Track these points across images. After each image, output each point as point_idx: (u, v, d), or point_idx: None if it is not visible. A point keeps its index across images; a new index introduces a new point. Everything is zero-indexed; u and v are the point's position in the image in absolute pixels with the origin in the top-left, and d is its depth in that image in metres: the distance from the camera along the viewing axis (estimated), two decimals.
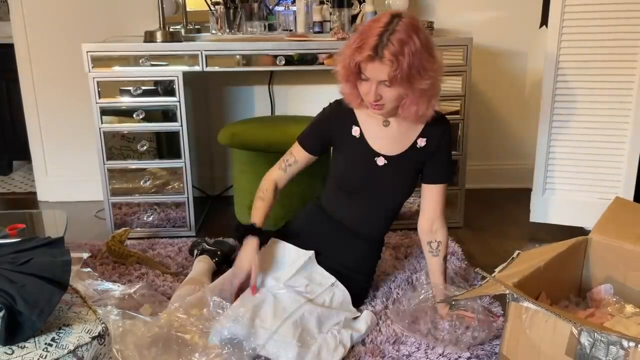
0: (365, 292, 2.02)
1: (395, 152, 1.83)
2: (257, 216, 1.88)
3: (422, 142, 1.84)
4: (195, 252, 2.32)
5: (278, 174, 1.93)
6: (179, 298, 1.83)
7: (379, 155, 1.83)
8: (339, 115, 1.85)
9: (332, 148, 1.92)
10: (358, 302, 1.94)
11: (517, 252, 1.66)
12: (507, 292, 1.41)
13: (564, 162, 2.57)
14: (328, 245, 1.90)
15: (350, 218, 1.92)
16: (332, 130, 1.86)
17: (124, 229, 2.42)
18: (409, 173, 1.87)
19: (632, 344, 1.19)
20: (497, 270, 1.57)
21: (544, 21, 2.79)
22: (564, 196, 2.59)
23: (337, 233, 1.92)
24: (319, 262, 1.88)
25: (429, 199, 1.90)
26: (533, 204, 2.65)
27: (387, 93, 1.64)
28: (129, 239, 2.45)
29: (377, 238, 1.98)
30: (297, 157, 1.91)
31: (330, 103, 1.90)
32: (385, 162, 1.83)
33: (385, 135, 1.82)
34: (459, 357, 1.68)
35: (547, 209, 2.62)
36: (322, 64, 2.53)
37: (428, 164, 1.86)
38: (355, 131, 1.83)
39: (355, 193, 1.88)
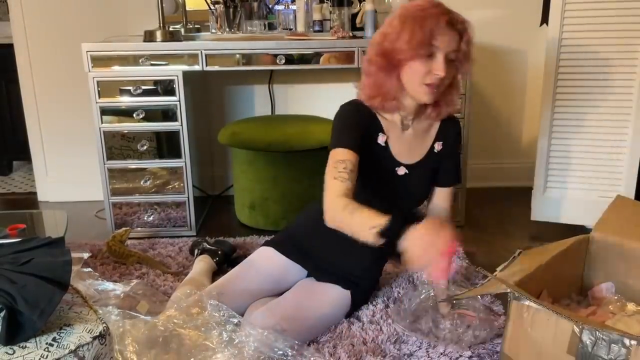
0: (369, 294, 2.01)
1: (415, 159, 1.77)
2: (372, 215, 1.50)
3: (439, 147, 1.80)
4: (196, 251, 2.31)
5: (344, 186, 1.57)
6: (177, 299, 1.82)
7: (400, 164, 1.76)
8: (365, 120, 1.70)
9: None
10: (361, 304, 1.94)
11: (519, 250, 1.65)
12: (509, 290, 1.40)
13: (565, 160, 2.56)
14: (335, 253, 1.84)
15: None
16: (363, 135, 1.68)
17: (124, 228, 2.42)
18: (427, 180, 1.82)
19: (633, 342, 1.18)
20: (498, 269, 1.57)
21: (545, 19, 2.79)
22: (565, 194, 2.59)
23: (344, 240, 1.86)
24: (324, 270, 1.85)
25: (440, 200, 1.88)
26: (534, 202, 2.65)
27: (448, 72, 1.56)
28: (130, 238, 2.45)
29: (394, 245, 1.94)
30: (348, 159, 1.61)
31: (344, 106, 1.73)
32: (406, 171, 1.77)
33: (405, 142, 1.75)
34: (461, 356, 1.68)
35: (548, 207, 2.62)
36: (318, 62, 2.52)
37: (442, 166, 1.83)
38: (381, 139, 1.73)
39: (370, 202, 1.76)
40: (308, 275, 1.91)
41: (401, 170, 1.76)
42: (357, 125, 1.68)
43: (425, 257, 1.38)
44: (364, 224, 1.48)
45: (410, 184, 1.78)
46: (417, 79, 1.58)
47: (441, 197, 1.88)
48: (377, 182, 1.75)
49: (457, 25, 1.55)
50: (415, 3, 1.58)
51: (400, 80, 1.61)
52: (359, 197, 1.59)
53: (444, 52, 1.54)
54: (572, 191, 2.58)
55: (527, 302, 1.37)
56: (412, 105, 1.69)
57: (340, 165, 1.58)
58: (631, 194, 2.46)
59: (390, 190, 1.76)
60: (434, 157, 1.81)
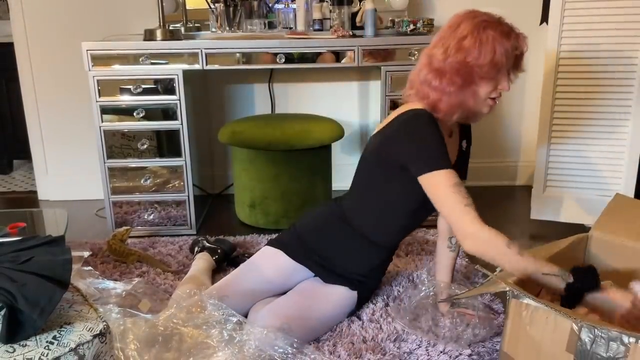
0: (372, 292, 2.01)
1: (453, 160, 1.75)
2: (544, 263, 1.48)
3: (464, 144, 1.83)
4: (196, 249, 2.32)
5: (474, 213, 1.53)
6: (178, 298, 1.83)
7: None
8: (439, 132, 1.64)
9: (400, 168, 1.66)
10: (364, 302, 1.94)
11: None
12: (508, 289, 1.41)
13: (565, 159, 2.57)
14: (343, 254, 1.84)
15: (373, 228, 1.81)
16: None
17: (125, 227, 2.42)
18: None
19: (632, 339, 1.19)
20: (498, 268, 1.57)
21: (544, 18, 2.79)
22: (564, 193, 2.59)
23: (352, 241, 1.84)
24: (331, 272, 1.84)
25: None
26: (534, 201, 2.66)
27: None
28: (130, 237, 2.45)
29: (397, 245, 1.94)
30: (460, 180, 1.58)
31: (424, 120, 1.62)
32: None
33: (449, 147, 1.71)
34: (460, 354, 1.69)
35: (547, 206, 2.62)
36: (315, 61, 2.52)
37: (464, 162, 1.86)
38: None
39: (423, 206, 1.70)
40: (314, 276, 1.89)
41: None
42: (442, 140, 1.62)
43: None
44: (546, 268, 1.44)
45: None
46: (486, 95, 1.61)
47: None
48: None
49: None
50: (482, 16, 1.59)
51: (477, 96, 1.61)
52: (411, 206, 1.66)
53: (508, 69, 1.60)
54: (571, 190, 2.58)
55: (526, 300, 1.37)
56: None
57: (462, 190, 1.54)
58: (630, 193, 2.47)
59: None
60: (461, 155, 1.83)
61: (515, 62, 1.61)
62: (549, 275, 1.43)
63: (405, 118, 1.65)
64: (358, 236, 1.82)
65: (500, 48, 1.54)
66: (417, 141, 1.61)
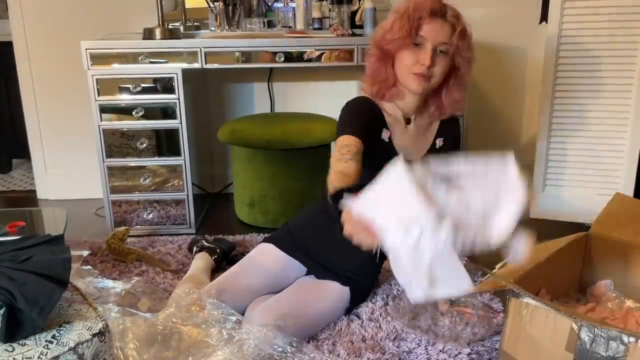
0: (368, 292, 2.01)
1: (416, 156, 1.78)
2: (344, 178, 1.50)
3: (439, 142, 1.82)
4: (195, 249, 2.31)
5: (347, 165, 1.54)
6: (178, 297, 1.83)
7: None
8: (370, 112, 1.71)
9: None
10: (360, 301, 1.94)
11: None
12: (508, 288, 1.41)
13: (564, 158, 2.57)
14: (332, 251, 1.85)
15: None
16: (367, 124, 1.69)
17: (124, 227, 2.42)
18: None
19: (632, 339, 1.19)
20: (497, 266, 1.58)
21: (544, 17, 2.79)
22: (564, 192, 2.59)
23: (340, 238, 1.85)
24: (322, 267, 1.86)
25: None
26: (533, 200, 2.65)
27: (439, 63, 1.62)
28: (129, 236, 2.45)
29: None
30: (352, 143, 1.60)
31: (350, 100, 1.75)
32: None
33: (408, 138, 1.77)
34: (459, 353, 1.69)
35: (547, 205, 2.62)
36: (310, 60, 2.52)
37: None
38: (385, 135, 1.74)
39: None
40: (307, 273, 1.92)
41: None
42: (362, 115, 1.70)
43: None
44: (330, 179, 1.49)
45: None
46: (406, 68, 1.64)
47: None
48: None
49: (446, 16, 1.59)
50: None
51: (394, 69, 1.68)
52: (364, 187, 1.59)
53: (432, 43, 1.59)
54: (571, 189, 2.58)
55: (526, 299, 1.37)
56: (414, 100, 1.72)
57: (344, 149, 1.59)
58: (630, 192, 2.46)
59: None
60: (435, 153, 1.81)
61: (430, 35, 1.59)
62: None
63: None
64: (340, 230, 1.82)
65: (405, 20, 1.59)
66: (339, 120, 1.73)
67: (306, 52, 2.50)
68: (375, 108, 1.74)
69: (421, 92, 1.69)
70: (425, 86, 1.65)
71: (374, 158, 1.68)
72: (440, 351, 1.69)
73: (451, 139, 1.84)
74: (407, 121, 1.77)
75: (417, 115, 1.77)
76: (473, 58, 1.68)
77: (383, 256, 1.98)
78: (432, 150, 1.81)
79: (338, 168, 1.54)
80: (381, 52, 1.68)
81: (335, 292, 1.85)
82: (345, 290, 1.86)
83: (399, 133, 1.76)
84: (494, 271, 1.58)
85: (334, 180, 1.49)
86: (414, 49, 1.61)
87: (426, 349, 1.71)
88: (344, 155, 1.58)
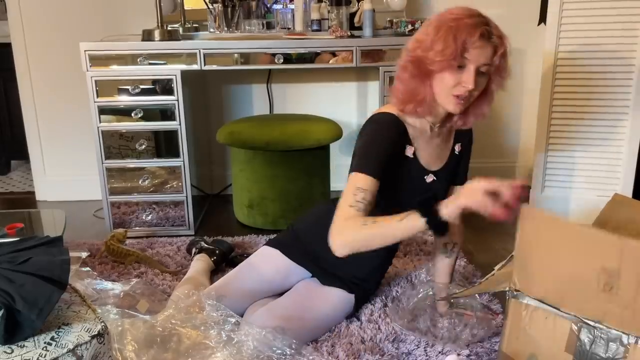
0: (370, 295, 2.00)
1: (439, 165, 1.74)
2: (396, 215, 1.49)
3: (458, 148, 1.79)
4: (193, 250, 2.31)
5: (357, 215, 1.52)
6: (177, 298, 1.82)
7: (428, 172, 1.72)
8: (397, 136, 1.64)
9: None
10: (362, 304, 1.94)
11: None
12: (507, 289, 1.41)
13: (563, 159, 2.57)
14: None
15: None
16: (393, 154, 1.64)
17: (123, 229, 2.42)
18: (448, 182, 1.80)
19: (632, 340, 1.19)
20: (496, 267, 1.58)
21: (543, 19, 2.79)
22: (562, 193, 2.59)
23: None
24: (329, 274, 1.84)
25: None
26: (532, 201, 2.66)
27: (479, 83, 1.54)
28: (128, 238, 2.45)
29: (397, 247, 1.94)
30: (369, 189, 1.55)
31: (377, 121, 1.65)
32: (434, 178, 1.73)
33: (431, 149, 1.72)
34: (459, 354, 1.68)
35: (546, 206, 2.62)
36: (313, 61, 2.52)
37: (459, 167, 1.83)
38: (409, 151, 1.68)
39: (396, 211, 1.67)
40: (311, 276, 1.89)
41: (429, 178, 1.73)
42: (388, 145, 1.62)
43: (484, 199, 1.37)
44: (399, 221, 1.46)
45: (438, 189, 1.75)
46: (446, 90, 1.55)
47: None
48: (407, 193, 1.71)
49: (491, 38, 1.51)
50: (452, 10, 1.54)
51: (432, 89, 1.58)
52: (388, 210, 1.56)
53: (475, 65, 1.51)
54: (570, 190, 2.58)
55: (525, 301, 1.37)
56: (443, 112, 1.66)
57: (359, 194, 1.53)
58: (628, 193, 2.47)
59: (418, 197, 1.71)
60: (455, 159, 1.79)
61: (475, 58, 1.51)
62: (405, 222, 1.44)
63: (366, 122, 1.67)
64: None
65: (449, 39, 1.49)
66: (361, 146, 1.62)
67: (305, 53, 2.50)
68: (401, 126, 1.66)
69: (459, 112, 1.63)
70: (463, 107, 1.59)
71: (400, 173, 1.68)
72: (440, 352, 1.69)
73: (467, 142, 1.82)
74: (434, 133, 1.73)
75: (440, 125, 1.72)
76: (508, 75, 1.62)
77: (388, 261, 1.97)
78: (452, 156, 1.78)
79: (349, 214, 1.50)
80: (419, 70, 1.57)
81: (339, 299, 1.83)
82: (350, 297, 1.85)
83: (423, 144, 1.70)
84: (493, 272, 1.58)
85: (346, 227, 1.48)
86: (456, 70, 1.52)
87: (425, 350, 1.71)
88: (358, 202, 1.52)
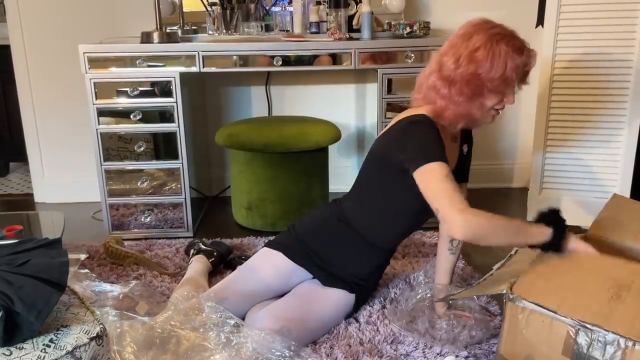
0: (369, 295, 2.01)
1: (453, 165, 1.77)
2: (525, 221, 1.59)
3: (465, 148, 1.84)
4: (192, 252, 2.31)
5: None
6: (176, 300, 1.82)
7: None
8: (438, 134, 1.65)
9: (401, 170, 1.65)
10: (361, 304, 1.95)
11: (515, 249, 1.66)
12: (504, 291, 1.41)
13: (561, 161, 2.58)
14: (344, 256, 1.84)
15: (374, 230, 1.82)
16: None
17: (118, 237, 2.42)
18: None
19: (629, 343, 1.19)
20: (494, 268, 1.58)
21: (540, 21, 2.80)
22: (561, 195, 2.60)
23: (354, 243, 1.84)
24: (331, 275, 1.84)
25: None
26: (530, 203, 2.66)
27: None
28: (127, 240, 2.45)
29: (396, 247, 1.94)
30: (450, 173, 1.57)
31: (419, 122, 1.64)
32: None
33: (450, 150, 1.74)
34: (457, 356, 1.69)
35: (544, 208, 2.62)
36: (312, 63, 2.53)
37: (465, 166, 1.87)
38: None
39: (425, 210, 1.68)
40: (312, 277, 1.88)
41: None
42: (439, 140, 1.62)
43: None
44: (530, 225, 1.55)
45: None
46: (489, 107, 1.62)
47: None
48: None
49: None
50: (504, 33, 1.58)
51: (483, 107, 1.63)
52: (413, 207, 1.66)
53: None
54: (568, 191, 2.59)
55: (522, 304, 1.37)
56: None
57: (453, 180, 1.53)
58: (627, 194, 2.47)
59: None
60: (463, 159, 1.84)
61: (522, 77, 1.62)
62: (536, 228, 1.53)
63: (404, 124, 1.66)
64: (357, 238, 1.82)
65: (511, 63, 1.54)
66: (414, 141, 1.62)
67: (304, 55, 2.51)
68: (435, 127, 1.66)
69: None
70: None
71: None
72: (438, 354, 1.70)
73: (470, 142, 1.87)
74: (454, 138, 1.79)
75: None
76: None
77: (387, 261, 1.97)
78: (461, 157, 1.82)
79: (464, 202, 1.50)
80: (473, 90, 1.58)
81: (340, 299, 1.84)
82: (351, 297, 1.85)
83: (447, 145, 1.71)
84: (491, 272, 1.59)
85: (480, 212, 1.50)
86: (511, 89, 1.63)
87: (423, 351, 1.71)
88: (453, 181, 1.53)
